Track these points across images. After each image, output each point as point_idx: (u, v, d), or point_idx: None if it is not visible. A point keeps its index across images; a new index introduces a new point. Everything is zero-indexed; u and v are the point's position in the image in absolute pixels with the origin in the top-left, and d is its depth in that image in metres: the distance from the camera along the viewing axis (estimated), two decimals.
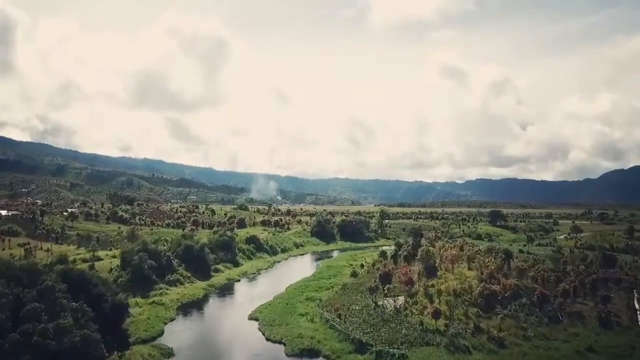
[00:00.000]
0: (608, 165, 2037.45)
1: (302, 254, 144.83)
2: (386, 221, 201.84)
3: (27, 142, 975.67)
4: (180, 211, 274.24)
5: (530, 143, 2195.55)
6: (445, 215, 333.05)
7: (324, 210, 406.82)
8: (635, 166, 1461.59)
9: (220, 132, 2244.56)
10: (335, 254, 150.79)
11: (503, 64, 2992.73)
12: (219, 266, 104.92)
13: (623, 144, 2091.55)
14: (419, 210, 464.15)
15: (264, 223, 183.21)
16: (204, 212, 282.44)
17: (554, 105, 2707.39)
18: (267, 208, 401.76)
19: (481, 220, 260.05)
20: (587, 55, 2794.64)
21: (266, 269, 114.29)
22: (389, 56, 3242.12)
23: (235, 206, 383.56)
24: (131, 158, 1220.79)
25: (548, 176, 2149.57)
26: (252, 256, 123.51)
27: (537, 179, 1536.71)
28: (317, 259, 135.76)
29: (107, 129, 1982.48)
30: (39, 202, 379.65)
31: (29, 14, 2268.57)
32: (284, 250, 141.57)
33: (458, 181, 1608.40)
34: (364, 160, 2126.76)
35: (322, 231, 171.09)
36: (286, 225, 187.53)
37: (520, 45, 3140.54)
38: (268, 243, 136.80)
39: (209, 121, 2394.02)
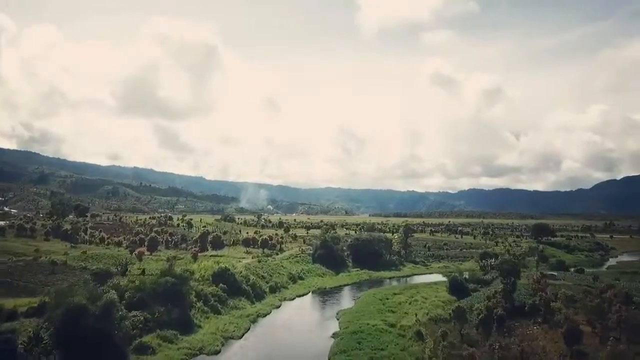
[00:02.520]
0: (600, 176, 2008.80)
1: (303, 295, 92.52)
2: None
3: (13, 150, 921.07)
4: (149, 223, 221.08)
5: (522, 153, 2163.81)
6: (463, 229, 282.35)
7: (321, 221, 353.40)
8: (627, 177, 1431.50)
9: (211, 140, 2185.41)
10: (348, 291, 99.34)
11: (496, 72, 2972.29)
12: (150, 339, 53.17)
13: (615, 155, 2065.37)
14: (424, 221, 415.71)
15: (247, 243, 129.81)
16: (178, 224, 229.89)
17: (546, 115, 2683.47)
18: (256, 219, 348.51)
19: (516, 234, 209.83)
20: (580, 67, 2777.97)
21: (241, 334, 62.20)
22: (381, 63, 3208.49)
23: (219, 217, 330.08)
24: (120, 167, 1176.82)
25: (540, 186, 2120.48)
26: (220, 307, 70.96)
27: (529, 189, 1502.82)
28: (327, 304, 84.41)
29: (96, 137, 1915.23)
30: (14, 211, 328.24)
31: (14, 21, 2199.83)
32: (274, 290, 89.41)
33: (450, 191, 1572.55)
34: (356, 169, 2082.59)
35: (329, 255, 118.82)
36: (278, 245, 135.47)
37: (514, 54, 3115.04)
38: (249, 280, 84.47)
39: (200, 130, 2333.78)
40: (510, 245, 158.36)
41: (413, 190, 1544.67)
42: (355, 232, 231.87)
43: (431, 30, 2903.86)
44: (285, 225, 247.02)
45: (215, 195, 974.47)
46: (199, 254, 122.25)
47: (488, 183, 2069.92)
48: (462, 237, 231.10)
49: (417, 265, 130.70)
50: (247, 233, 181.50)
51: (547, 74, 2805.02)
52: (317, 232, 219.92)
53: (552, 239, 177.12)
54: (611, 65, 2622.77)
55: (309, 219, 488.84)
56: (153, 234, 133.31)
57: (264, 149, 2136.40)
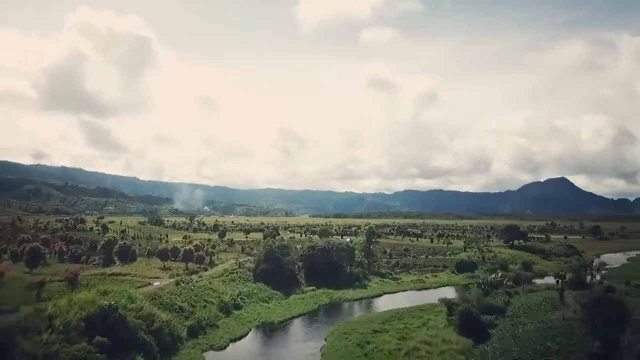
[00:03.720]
0: (526, 178, 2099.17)
1: (240, 337, 60.75)
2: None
3: None
4: (52, 227, 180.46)
5: (455, 156, 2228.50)
6: (412, 230, 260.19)
7: (262, 223, 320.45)
8: (550, 179, 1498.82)
9: (146, 139, 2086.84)
10: (305, 326, 69.13)
11: (434, 76, 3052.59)
12: None
13: (539, 157, 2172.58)
14: (370, 223, 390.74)
15: (163, 255, 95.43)
16: (92, 228, 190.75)
17: (478, 119, 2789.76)
18: (188, 221, 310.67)
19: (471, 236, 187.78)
20: (510, 74, 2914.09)
21: None
22: (321, 63, 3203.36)
23: (145, 220, 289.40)
24: (47, 166, 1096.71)
25: (471, 188, 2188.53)
26: None
27: (461, 190, 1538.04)
28: (278, 356, 53.76)
29: (17, 134, 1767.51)
30: None
31: None
32: (195, 332, 57.14)
33: (387, 192, 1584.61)
34: (296, 170, 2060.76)
35: (276, 270, 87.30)
36: (208, 257, 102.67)
37: (451, 59, 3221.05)
38: (153, 322, 51.97)
39: (133, 128, 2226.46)
40: (482, 251, 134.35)
41: (351, 192, 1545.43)
42: (302, 236, 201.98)
43: (372, 27, 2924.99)
44: (221, 228, 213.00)
45: (149, 196, 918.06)
46: (105, 269, 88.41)
47: (423, 184, 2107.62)
48: (417, 240, 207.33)
49: (385, 280, 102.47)
50: (165, 241, 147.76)
51: (481, 80, 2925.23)
52: (258, 236, 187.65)
53: (524, 242, 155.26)
54: (539, 73, 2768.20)
55: (247, 220, 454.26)
56: (36, 243, 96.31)
57: (202, 149, 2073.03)
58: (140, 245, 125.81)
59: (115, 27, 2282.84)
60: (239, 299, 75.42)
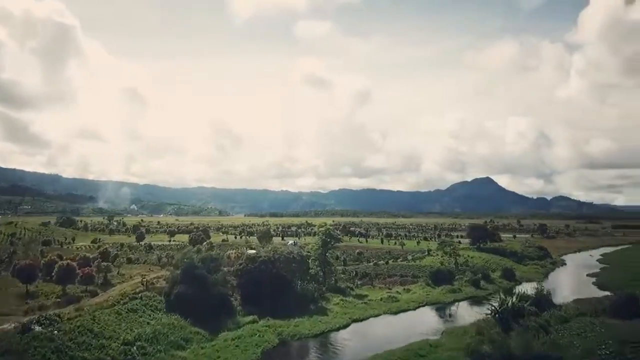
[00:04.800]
0: (454, 178, 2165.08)
1: None
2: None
3: None
4: None
5: (387, 155, 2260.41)
6: (356, 230, 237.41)
7: (191, 224, 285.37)
8: (476, 178, 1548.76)
9: (69, 134, 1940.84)
10: None
11: (368, 75, 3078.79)
12: None
13: (467, 158, 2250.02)
14: (326, 223, 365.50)
15: (26, 274, 62.84)
16: None
17: (411, 119, 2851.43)
18: (107, 221, 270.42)
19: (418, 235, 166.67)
20: (444, 75, 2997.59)
21: None
22: (255, 57, 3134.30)
23: (55, 220, 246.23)
24: None
25: (402, 187, 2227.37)
26: None
27: (393, 190, 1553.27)
28: None
29: None
30: None
31: None
32: None
33: (322, 191, 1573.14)
34: (231, 168, 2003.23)
35: (199, 294, 58.56)
36: (100, 276, 71.87)
37: (384, 59, 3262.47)
38: None
39: (55, 122, 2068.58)
40: (456, 255, 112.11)
41: (287, 190, 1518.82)
42: (237, 238, 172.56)
43: (308, 20, 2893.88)
44: (140, 229, 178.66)
45: (71, 194, 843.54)
46: None
47: (356, 183, 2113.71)
48: (366, 241, 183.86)
49: (348, 299, 76.15)
50: (68, 246, 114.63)
51: (415, 79, 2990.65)
52: (185, 238, 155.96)
53: (491, 243, 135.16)
54: (471, 75, 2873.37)
55: (177, 220, 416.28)
56: None
57: (130, 145, 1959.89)
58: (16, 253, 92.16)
59: (33, 11, 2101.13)
60: (135, 347, 46.43)
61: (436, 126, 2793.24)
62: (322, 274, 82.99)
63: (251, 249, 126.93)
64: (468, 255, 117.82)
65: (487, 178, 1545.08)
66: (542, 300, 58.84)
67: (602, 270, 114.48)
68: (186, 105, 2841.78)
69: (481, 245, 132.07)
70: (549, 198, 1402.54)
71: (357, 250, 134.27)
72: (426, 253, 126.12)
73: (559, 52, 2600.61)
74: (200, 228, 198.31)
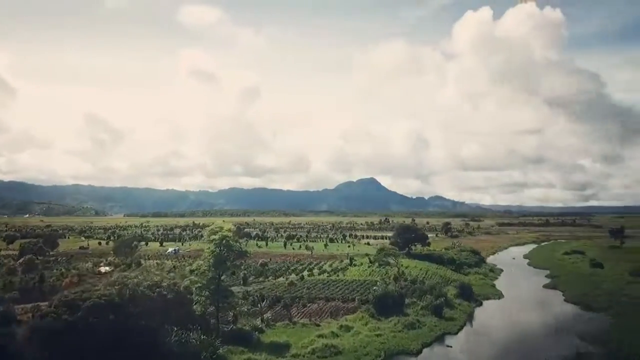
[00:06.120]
0: (340, 178, 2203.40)
1: None
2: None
3: None
4: None
5: (278, 155, 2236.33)
6: (256, 232, 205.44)
7: (48, 226, 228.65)
8: (361, 179, 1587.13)
9: None
10: None
11: (258, 71, 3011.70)
12: None
13: (353, 159, 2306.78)
14: (194, 222, 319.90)
15: None
16: None
17: (302, 119, 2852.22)
18: None
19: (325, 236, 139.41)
20: (335, 78, 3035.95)
21: None
22: (134, 42, 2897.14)
23: None
24: None
25: (292, 186, 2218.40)
26: None
27: (283, 189, 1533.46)
28: None
29: None
30: None
31: None
32: None
33: (210, 190, 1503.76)
34: (110, 165, 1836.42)
35: None
36: None
37: (272, 57, 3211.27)
38: None
39: None
40: (396, 265, 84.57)
41: (173, 189, 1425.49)
42: (100, 244, 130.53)
43: (193, 5, 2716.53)
44: None
45: None
46: None
47: (247, 182, 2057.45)
48: (267, 244, 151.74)
49: (256, 355, 43.67)
50: None
51: (304, 80, 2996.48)
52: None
53: (422, 248, 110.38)
54: (356, 80, 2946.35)
55: (42, 221, 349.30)
56: None
57: None
58: None
59: None
60: None
61: (325, 127, 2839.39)
62: (215, 312, 49.30)
63: (108, 265, 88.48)
64: (401, 265, 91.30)
65: (372, 178, 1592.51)
66: None
67: (553, 279, 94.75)
68: (57, 96, 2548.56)
69: (411, 250, 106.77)
70: (426, 197, 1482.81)
71: (260, 261, 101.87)
72: (348, 262, 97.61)
73: (438, 60, 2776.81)
74: (52, 231, 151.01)
